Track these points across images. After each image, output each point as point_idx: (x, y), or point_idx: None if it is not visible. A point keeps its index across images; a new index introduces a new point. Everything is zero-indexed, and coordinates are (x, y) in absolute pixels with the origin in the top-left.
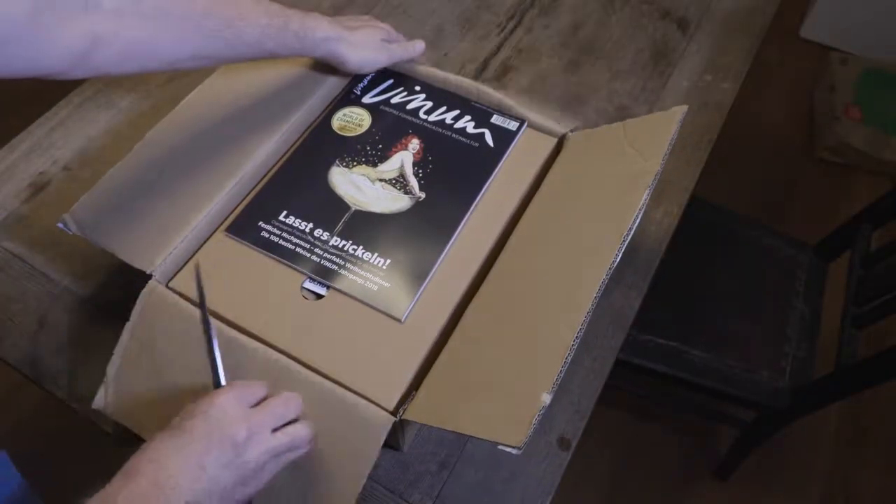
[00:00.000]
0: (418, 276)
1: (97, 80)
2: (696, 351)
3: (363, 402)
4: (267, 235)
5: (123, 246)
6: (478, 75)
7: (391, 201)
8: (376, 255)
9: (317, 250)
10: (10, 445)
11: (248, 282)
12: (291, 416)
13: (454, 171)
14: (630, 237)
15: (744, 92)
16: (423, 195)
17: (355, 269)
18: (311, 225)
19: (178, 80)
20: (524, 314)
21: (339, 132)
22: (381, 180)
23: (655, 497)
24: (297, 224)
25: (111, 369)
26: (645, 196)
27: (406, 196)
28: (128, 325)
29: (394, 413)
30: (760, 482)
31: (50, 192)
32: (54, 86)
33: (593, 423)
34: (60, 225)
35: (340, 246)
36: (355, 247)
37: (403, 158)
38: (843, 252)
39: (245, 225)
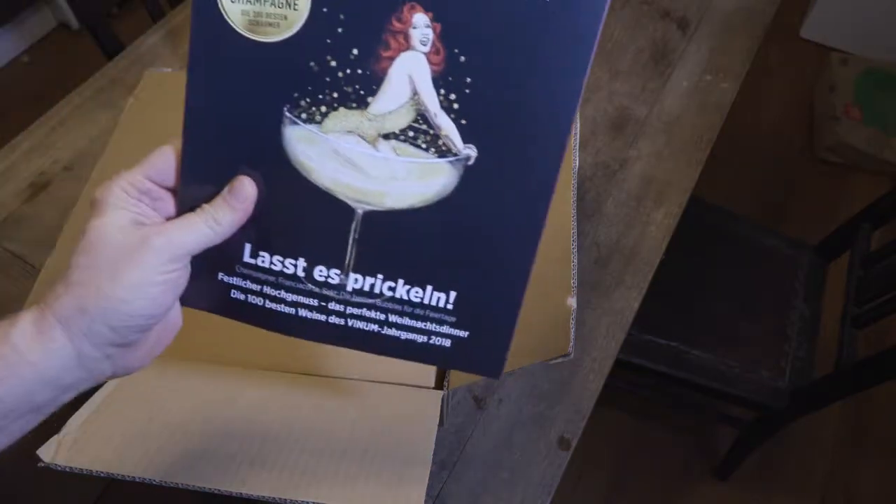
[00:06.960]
0: (507, 310)
1: (97, 79)
2: (696, 351)
3: (407, 388)
4: (238, 295)
5: None
6: None
7: (421, 179)
8: (430, 289)
9: (333, 306)
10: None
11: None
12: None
13: (511, 79)
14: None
15: (744, 92)
16: (471, 152)
17: (403, 321)
18: (303, 262)
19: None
20: None
21: (248, 34)
22: (387, 137)
23: (655, 497)
24: (277, 266)
25: (75, 421)
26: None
27: (443, 160)
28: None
29: (440, 387)
30: (760, 482)
31: (50, 192)
32: (54, 86)
33: (593, 423)
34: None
35: (364, 288)
36: (392, 284)
37: (411, 70)
38: (843, 252)
39: (202, 283)
